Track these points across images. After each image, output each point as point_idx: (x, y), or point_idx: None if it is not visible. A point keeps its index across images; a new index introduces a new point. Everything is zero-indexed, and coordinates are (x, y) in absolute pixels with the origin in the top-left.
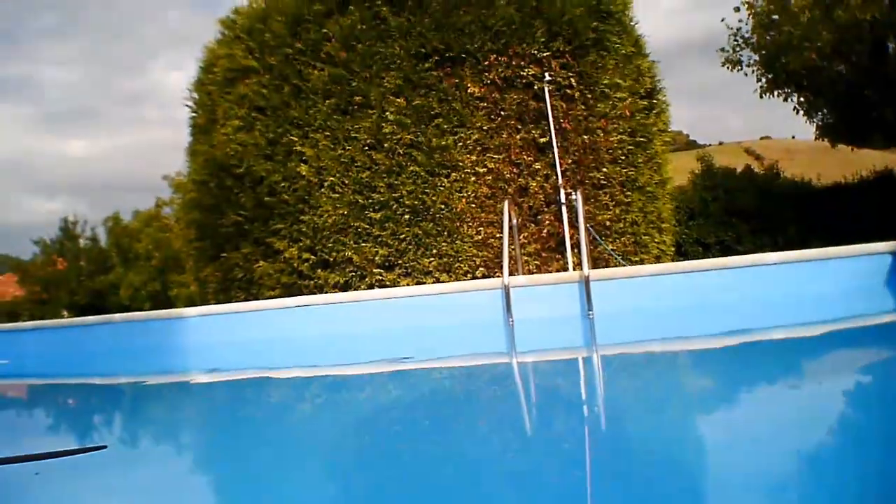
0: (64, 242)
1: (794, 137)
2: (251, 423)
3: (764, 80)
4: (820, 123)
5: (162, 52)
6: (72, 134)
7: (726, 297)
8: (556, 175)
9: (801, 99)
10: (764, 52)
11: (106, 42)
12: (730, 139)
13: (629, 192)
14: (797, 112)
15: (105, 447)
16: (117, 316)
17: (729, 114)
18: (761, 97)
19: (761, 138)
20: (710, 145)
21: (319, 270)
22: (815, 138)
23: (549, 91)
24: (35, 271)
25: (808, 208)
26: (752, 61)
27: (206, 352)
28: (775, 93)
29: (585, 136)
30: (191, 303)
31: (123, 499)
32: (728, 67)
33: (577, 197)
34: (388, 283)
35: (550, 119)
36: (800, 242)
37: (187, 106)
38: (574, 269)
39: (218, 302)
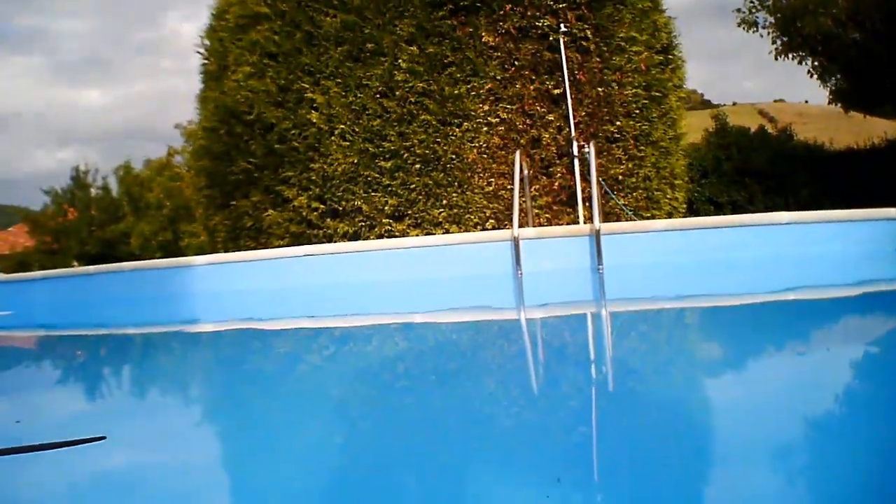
0: (75, 192)
1: (806, 102)
2: (257, 376)
3: (779, 42)
4: (833, 88)
5: (176, 2)
6: (85, 84)
7: (737, 256)
8: (570, 127)
9: (816, 63)
10: (779, 14)
11: None
12: (743, 100)
13: (643, 147)
14: (811, 76)
15: (104, 438)
16: (126, 265)
17: (743, 75)
18: (776, 59)
19: (775, 101)
20: (723, 105)
21: (329, 220)
22: (829, 103)
23: (564, 42)
24: (45, 221)
25: (821, 172)
26: (767, 23)
27: (213, 300)
28: (790, 55)
29: (600, 89)
30: (201, 252)
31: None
32: (744, 28)
33: (590, 150)
34: (397, 233)
35: (565, 70)
36: (812, 205)
37: (199, 52)
38: (585, 224)
39: (227, 251)
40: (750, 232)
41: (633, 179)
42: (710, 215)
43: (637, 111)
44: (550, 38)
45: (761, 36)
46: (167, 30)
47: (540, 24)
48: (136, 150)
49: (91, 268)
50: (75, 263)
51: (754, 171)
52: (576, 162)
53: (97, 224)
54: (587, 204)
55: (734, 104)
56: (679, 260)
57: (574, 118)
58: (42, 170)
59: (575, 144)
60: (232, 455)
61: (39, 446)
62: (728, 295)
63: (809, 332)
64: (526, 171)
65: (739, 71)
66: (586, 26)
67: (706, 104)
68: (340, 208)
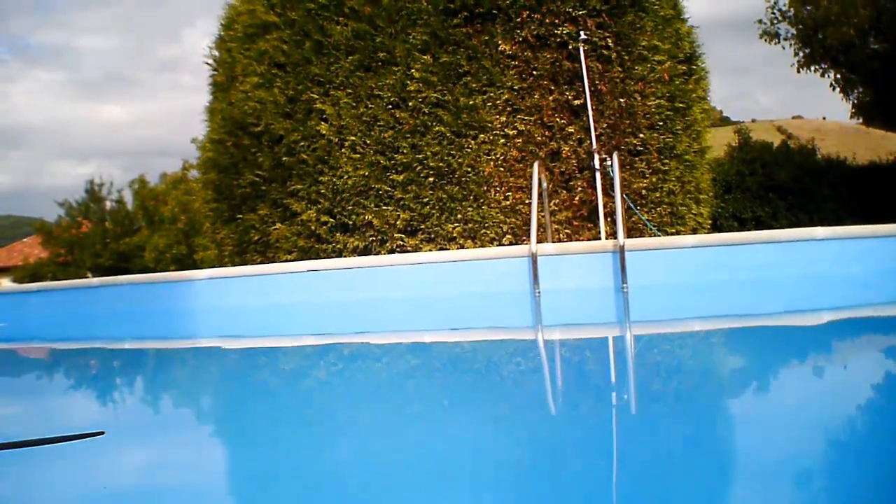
0: (89, 205)
1: (824, 118)
2: (258, 394)
3: (801, 54)
4: (855, 101)
5: (198, 20)
6: (106, 100)
7: (771, 274)
8: (591, 139)
9: (838, 76)
10: (801, 25)
11: (141, 10)
12: (761, 117)
13: (667, 160)
14: (833, 89)
15: (103, 433)
16: (122, 278)
17: (760, 93)
18: (798, 72)
19: (793, 117)
20: (743, 122)
21: (338, 234)
22: (850, 117)
23: (584, 51)
24: (59, 233)
25: (844, 187)
26: (789, 35)
27: (213, 316)
28: (812, 68)
29: (622, 100)
30: (213, 266)
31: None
32: (766, 40)
33: (614, 161)
34: (409, 248)
35: (585, 80)
36: (836, 220)
37: (207, 64)
38: (608, 240)
39: (234, 265)
40: (784, 248)
41: (657, 194)
42: (733, 231)
43: (661, 123)
44: (570, 47)
45: (783, 48)
46: (188, 46)
47: (559, 32)
48: (156, 165)
49: (86, 280)
50: (89, 275)
51: (778, 186)
52: (597, 175)
53: (112, 237)
54: (609, 219)
55: (753, 121)
56: (709, 278)
57: (595, 130)
58: (62, 184)
59: (596, 157)
60: (232, 473)
61: (38, 441)
62: (761, 315)
63: (850, 356)
64: (545, 184)
65: (756, 88)
66: (607, 34)
67: (725, 121)
68: (350, 222)
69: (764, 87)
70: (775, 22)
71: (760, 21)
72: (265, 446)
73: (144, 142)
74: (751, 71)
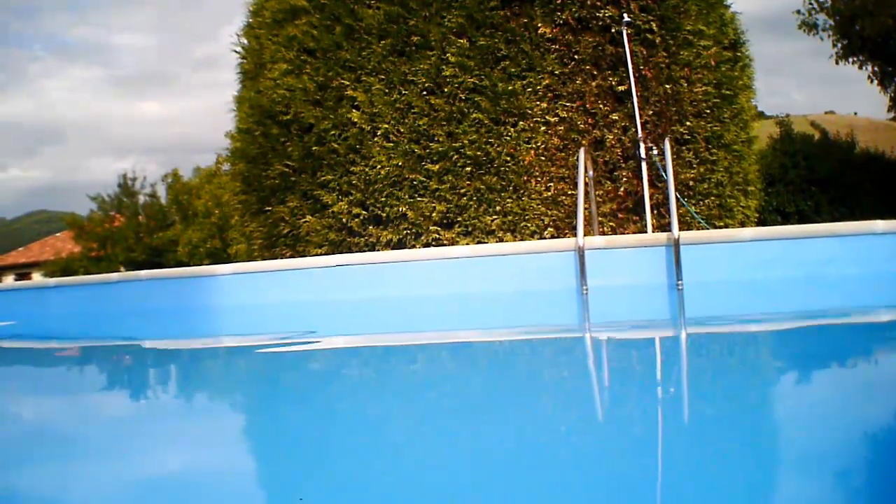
0: (122, 199)
1: (856, 114)
2: (284, 398)
3: (839, 46)
4: (892, 95)
5: (235, 17)
6: (143, 97)
7: (832, 269)
8: (636, 127)
9: (875, 68)
10: (838, 17)
11: (178, 9)
12: (795, 112)
13: (714, 150)
14: (871, 81)
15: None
16: (143, 273)
17: (793, 89)
18: (837, 63)
19: (825, 112)
20: (777, 116)
21: (371, 227)
22: (888, 110)
23: (627, 35)
24: (92, 228)
25: (883, 181)
26: (827, 25)
27: (236, 313)
28: (850, 60)
29: (668, 86)
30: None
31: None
32: (804, 31)
33: (665, 149)
34: (445, 242)
35: (630, 65)
36: (875, 215)
37: (235, 52)
38: (658, 232)
39: (263, 259)
40: (844, 242)
41: (705, 185)
42: (777, 225)
43: (708, 111)
44: (612, 31)
45: (821, 39)
46: (225, 44)
47: (601, 15)
48: (194, 161)
49: (106, 276)
50: (122, 270)
51: (820, 179)
52: (643, 165)
53: (145, 231)
54: (655, 211)
55: (787, 115)
56: (769, 274)
57: (640, 117)
58: (99, 180)
59: (642, 146)
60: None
61: None
62: (824, 313)
63: None
64: (591, 172)
65: (789, 84)
66: (651, 17)
67: (760, 115)
68: (384, 215)
69: (797, 83)
70: (813, 13)
71: (798, 12)
72: (296, 450)
73: (182, 138)
74: (784, 68)
